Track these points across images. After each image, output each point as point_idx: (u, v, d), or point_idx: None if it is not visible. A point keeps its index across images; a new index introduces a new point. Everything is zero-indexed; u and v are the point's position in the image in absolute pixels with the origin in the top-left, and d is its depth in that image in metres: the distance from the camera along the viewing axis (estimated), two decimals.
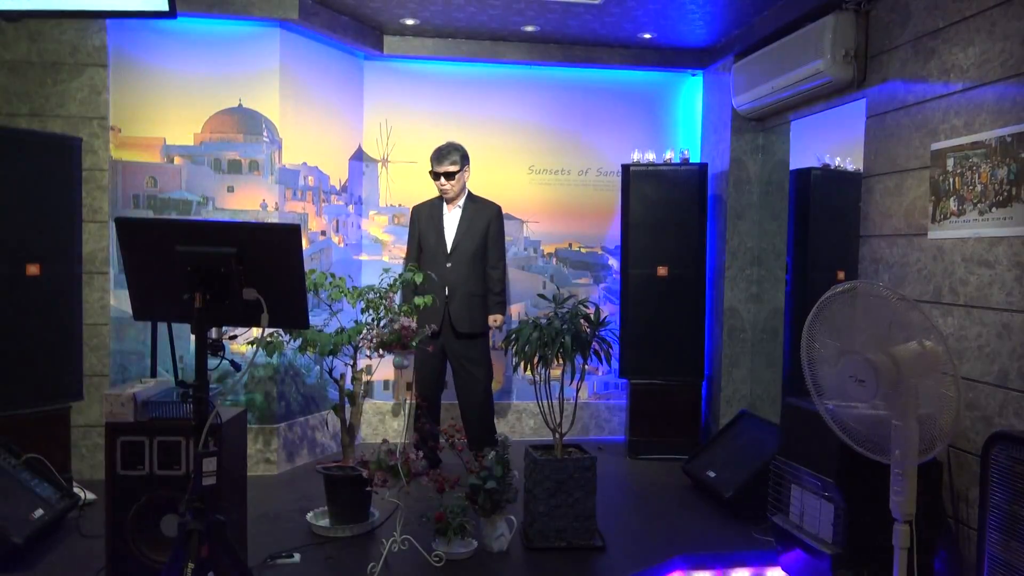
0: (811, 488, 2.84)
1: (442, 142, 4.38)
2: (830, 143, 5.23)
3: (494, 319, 4.42)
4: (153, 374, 3.89)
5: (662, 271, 4.76)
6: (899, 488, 2.22)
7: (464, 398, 4.35)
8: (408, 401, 4.08)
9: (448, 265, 4.26)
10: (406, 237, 4.64)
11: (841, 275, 4.83)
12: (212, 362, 2.10)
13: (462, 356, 4.31)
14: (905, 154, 3.27)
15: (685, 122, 5.32)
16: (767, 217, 4.80)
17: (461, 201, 4.36)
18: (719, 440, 4.20)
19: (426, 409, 4.27)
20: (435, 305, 3.89)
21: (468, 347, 4.32)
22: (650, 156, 4.85)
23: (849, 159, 5.12)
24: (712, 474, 3.94)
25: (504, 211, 5.26)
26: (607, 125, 5.24)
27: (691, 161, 4.86)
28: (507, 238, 5.19)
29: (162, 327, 3.90)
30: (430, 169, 4.30)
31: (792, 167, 4.88)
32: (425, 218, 4.36)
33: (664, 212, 4.76)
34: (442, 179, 4.26)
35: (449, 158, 4.25)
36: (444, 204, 4.37)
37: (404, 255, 4.54)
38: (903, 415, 2.18)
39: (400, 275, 3.75)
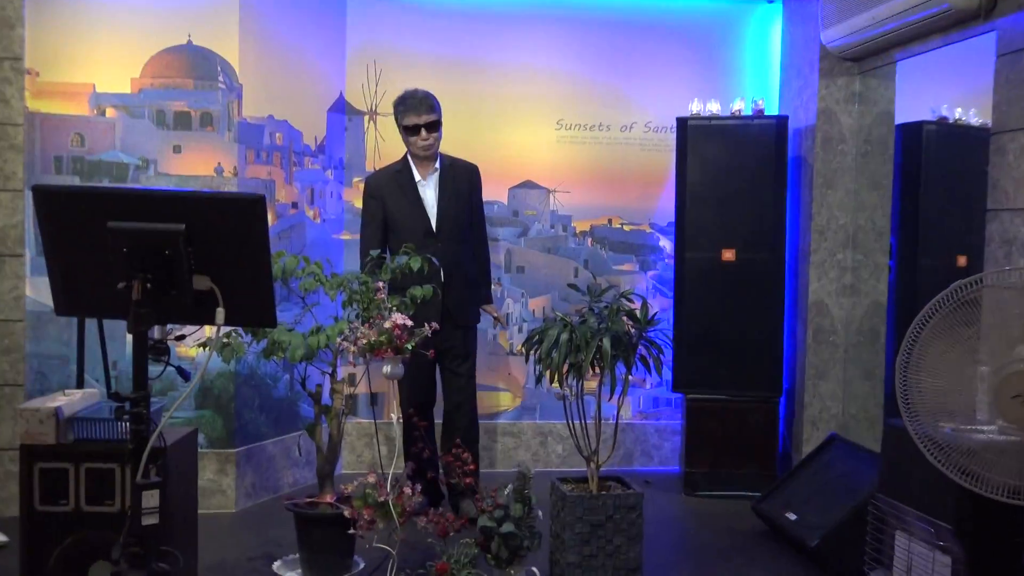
0: (921, 535, 2.82)
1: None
2: (949, 90, 5.16)
3: (494, 310, 4.43)
4: (80, 384, 3.92)
5: (728, 255, 4.73)
6: None
7: (451, 399, 4.34)
8: (399, 420, 4.10)
9: (438, 245, 4.21)
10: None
11: (962, 261, 4.77)
12: (154, 369, 2.11)
13: (455, 354, 4.28)
14: None
15: (758, 63, 5.28)
16: (865, 186, 4.75)
17: (436, 163, 4.31)
18: (801, 472, 4.18)
19: (424, 430, 4.28)
20: (434, 296, 3.86)
21: (466, 342, 4.32)
22: (713, 107, 4.81)
23: (974, 110, 5.05)
24: (792, 516, 3.92)
25: (526, 178, 5.22)
26: (657, 69, 5.21)
27: (766, 113, 4.82)
28: (531, 212, 5.19)
29: (91, 325, 3.93)
30: (403, 123, 4.21)
31: (899, 121, 4.83)
32: (392, 191, 4.27)
33: (731, 179, 4.72)
34: (423, 132, 4.19)
35: (427, 104, 4.18)
36: (413, 169, 4.31)
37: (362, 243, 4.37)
38: None
39: (392, 259, 3.75)
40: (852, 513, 3.58)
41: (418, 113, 4.19)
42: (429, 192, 4.29)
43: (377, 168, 4.89)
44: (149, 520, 2.01)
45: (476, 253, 4.41)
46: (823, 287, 4.77)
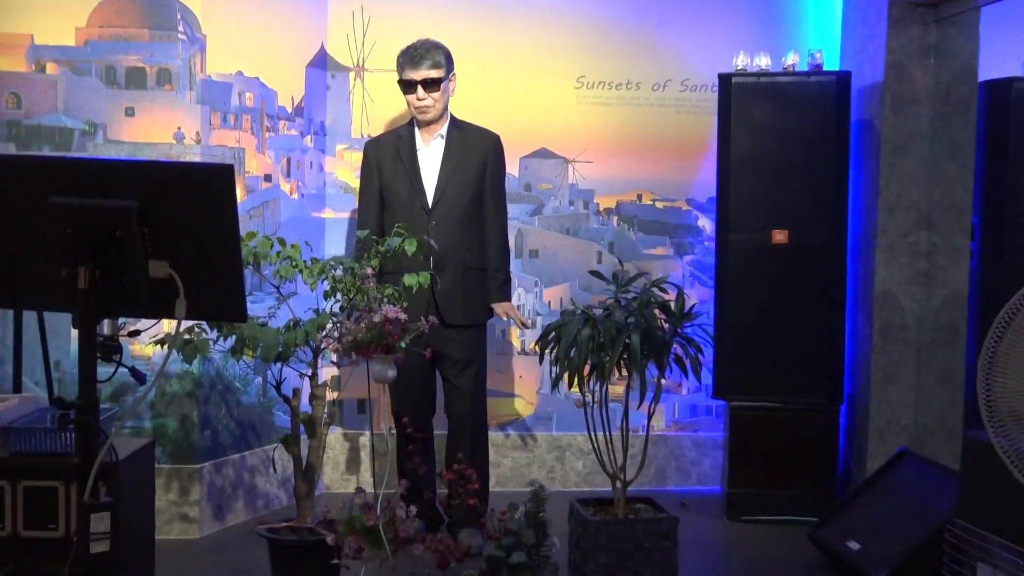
0: (1007, 567, 2.82)
1: (444, 39, 4.35)
2: None
3: (502, 308, 4.36)
4: (17, 388, 3.94)
5: (780, 237, 4.72)
6: None
7: (452, 414, 4.35)
8: (391, 431, 4.11)
9: (432, 224, 4.22)
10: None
11: None
12: (104, 371, 2.11)
13: (453, 360, 4.27)
14: None
15: (816, 9, 5.27)
16: (943, 155, 4.73)
17: (443, 128, 4.33)
18: (866, 494, 4.19)
19: (420, 442, 4.29)
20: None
21: (465, 346, 4.30)
22: (763, 61, 4.80)
23: None
24: (855, 546, 3.92)
25: (540, 146, 5.21)
26: (696, 16, 5.20)
27: (825, 69, 4.82)
28: (546, 186, 5.17)
29: (30, 319, 3.95)
30: (399, 77, 4.26)
31: (982, 77, 4.80)
32: (389, 158, 4.31)
33: (784, 147, 4.71)
34: (419, 90, 4.20)
35: (429, 58, 4.20)
36: (417, 135, 4.34)
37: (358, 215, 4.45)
38: None
39: (381, 241, 3.75)
40: (926, 541, 3.58)
41: (415, 67, 4.18)
42: (430, 161, 4.29)
43: (368, 134, 4.90)
44: (98, 547, 2.01)
45: (488, 240, 4.36)
46: (892, 275, 4.76)
